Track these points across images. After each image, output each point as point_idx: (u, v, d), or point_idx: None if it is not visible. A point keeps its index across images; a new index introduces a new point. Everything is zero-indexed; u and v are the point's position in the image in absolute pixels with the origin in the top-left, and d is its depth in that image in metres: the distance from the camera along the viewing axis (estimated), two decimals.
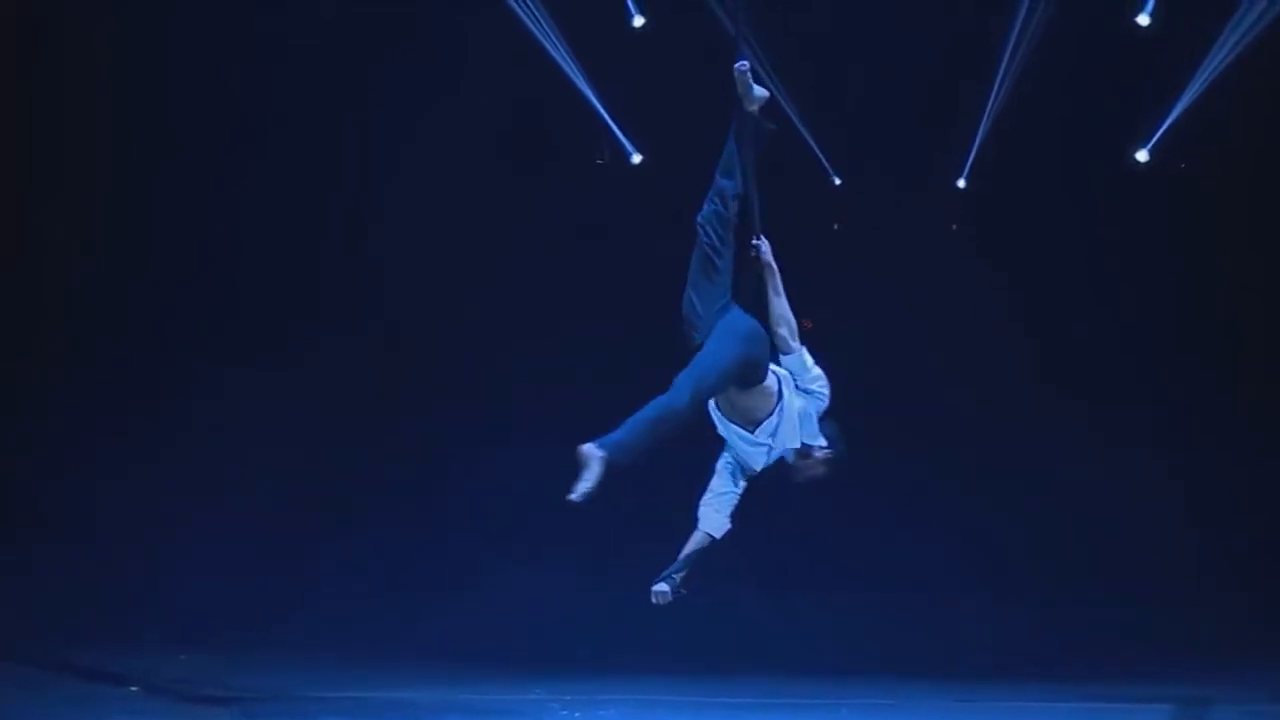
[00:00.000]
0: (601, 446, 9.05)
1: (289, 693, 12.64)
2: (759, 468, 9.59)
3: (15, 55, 15.45)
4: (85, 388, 15.87)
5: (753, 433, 9.46)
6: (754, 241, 9.51)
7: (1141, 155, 14.96)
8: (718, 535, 9.66)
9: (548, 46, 14.23)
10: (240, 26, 15.29)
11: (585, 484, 9.05)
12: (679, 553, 9.62)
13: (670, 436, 9.04)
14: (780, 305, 9.45)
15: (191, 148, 15.84)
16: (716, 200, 9.43)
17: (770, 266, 9.50)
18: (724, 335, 9.30)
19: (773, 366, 9.37)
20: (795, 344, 9.43)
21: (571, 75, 14.51)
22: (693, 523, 9.62)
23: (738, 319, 9.36)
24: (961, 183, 15.53)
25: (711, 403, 9.41)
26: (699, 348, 9.27)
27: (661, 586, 9.68)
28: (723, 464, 9.62)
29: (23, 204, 15.81)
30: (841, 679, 13.73)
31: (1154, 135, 14.77)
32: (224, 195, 15.96)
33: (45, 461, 15.71)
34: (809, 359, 9.44)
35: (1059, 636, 14.93)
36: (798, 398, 9.40)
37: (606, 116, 14.99)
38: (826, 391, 9.43)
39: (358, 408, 16.11)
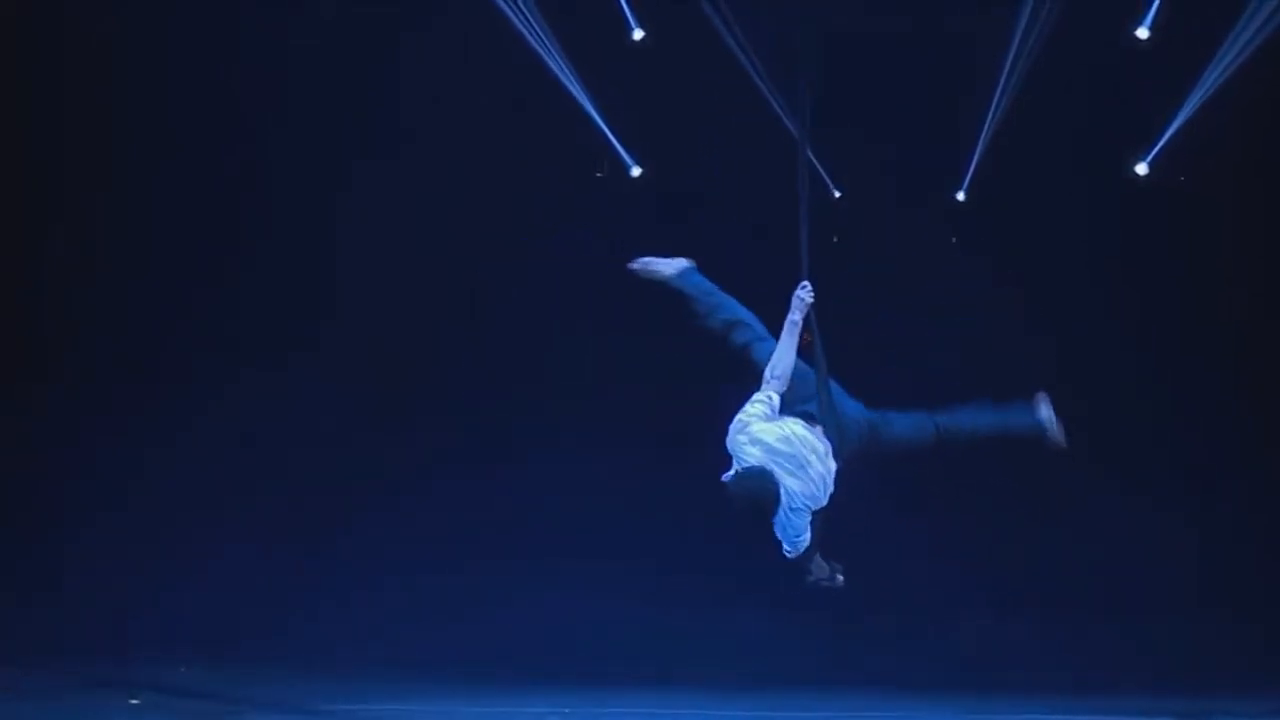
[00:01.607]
0: (689, 269, 10.09)
1: (289, 705, 12.71)
2: None
3: (15, 55, 15.37)
4: (83, 390, 15.83)
5: None
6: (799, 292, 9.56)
7: (1141, 168, 14.97)
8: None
9: (547, 59, 14.19)
10: (240, 26, 15.23)
11: (652, 263, 10.16)
12: None
13: (714, 325, 9.81)
14: (782, 346, 9.47)
15: (191, 148, 15.77)
16: None
17: (798, 315, 9.52)
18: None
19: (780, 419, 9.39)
20: (764, 385, 9.45)
21: (571, 88, 14.48)
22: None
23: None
24: (961, 195, 15.53)
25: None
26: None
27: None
28: None
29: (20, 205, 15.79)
30: (842, 694, 13.79)
31: (1153, 148, 14.77)
32: (223, 196, 15.93)
33: (41, 466, 15.70)
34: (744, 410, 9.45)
35: (1058, 650, 14.96)
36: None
37: (606, 130, 14.97)
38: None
39: (358, 416, 16.08)
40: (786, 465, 9.19)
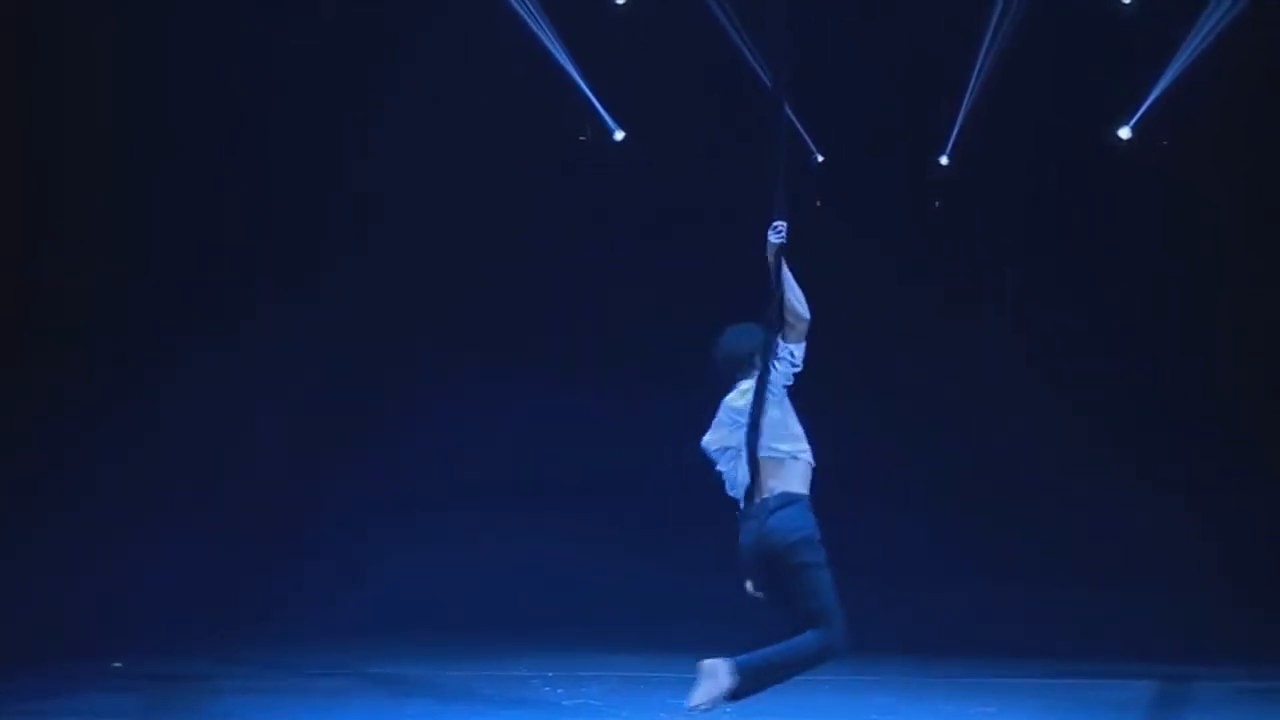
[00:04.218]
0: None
1: (274, 670, 12.65)
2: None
3: (15, 55, 15.51)
4: (82, 387, 15.82)
5: None
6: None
7: (1124, 132, 15.00)
8: None
9: (530, 23, 14.32)
10: (240, 26, 15.38)
11: None
12: None
13: None
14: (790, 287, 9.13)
15: (191, 148, 15.87)
16: None
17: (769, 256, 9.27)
18: None
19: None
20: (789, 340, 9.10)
21: (555, 52, 14.61)
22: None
23: None
24: (944, 159, 15.56)
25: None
26: None
27: None
28: None
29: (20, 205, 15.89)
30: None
31: (1137, 111, 14.81)
32: (223, 196, 16.02)
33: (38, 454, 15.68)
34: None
35: (1046, 616, 14.84)
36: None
37: (590, 94, 15.08)
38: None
39: (339, 375, 16.16)
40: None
